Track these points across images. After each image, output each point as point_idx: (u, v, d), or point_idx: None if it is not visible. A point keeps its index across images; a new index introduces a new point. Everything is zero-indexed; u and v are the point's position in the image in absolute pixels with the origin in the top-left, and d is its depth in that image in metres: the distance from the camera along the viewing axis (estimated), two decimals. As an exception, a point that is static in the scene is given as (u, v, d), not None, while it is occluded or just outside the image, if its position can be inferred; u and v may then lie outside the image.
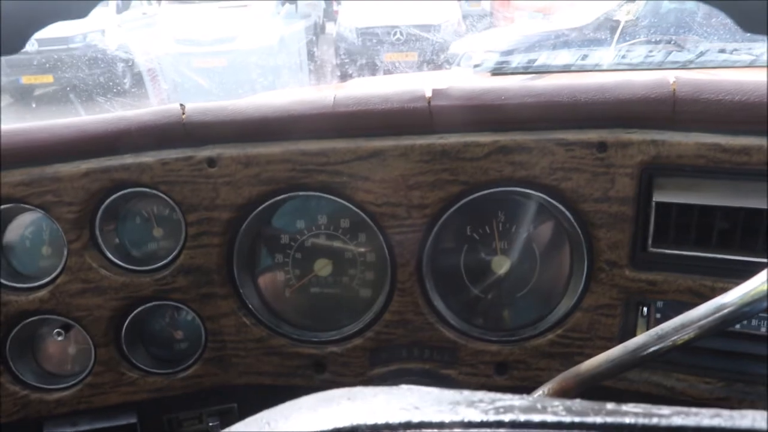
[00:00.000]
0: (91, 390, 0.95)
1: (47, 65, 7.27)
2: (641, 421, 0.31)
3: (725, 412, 0.30)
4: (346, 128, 0.83)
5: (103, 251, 0.90)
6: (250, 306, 0.93)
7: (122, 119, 0.85)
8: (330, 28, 10.01)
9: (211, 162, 0.84)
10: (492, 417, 0.31)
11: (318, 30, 9.99)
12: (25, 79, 7.41)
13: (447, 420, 0.32)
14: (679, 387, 0.86)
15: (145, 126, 0.84)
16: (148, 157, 0.85)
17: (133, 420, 0.99)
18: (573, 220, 0.84)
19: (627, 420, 0.31)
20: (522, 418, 0.31)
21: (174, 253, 0.90)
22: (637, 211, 0.82)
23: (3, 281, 0.91)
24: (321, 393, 0.42)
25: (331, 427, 0.32)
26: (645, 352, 0.57)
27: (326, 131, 0.83)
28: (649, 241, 0.83)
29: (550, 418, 0.31)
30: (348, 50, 7.87)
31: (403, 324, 0.91)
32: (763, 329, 0.84)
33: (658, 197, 0.80)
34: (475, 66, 1.24)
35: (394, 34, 7.60)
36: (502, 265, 0.92)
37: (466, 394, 0.39)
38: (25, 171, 0.85)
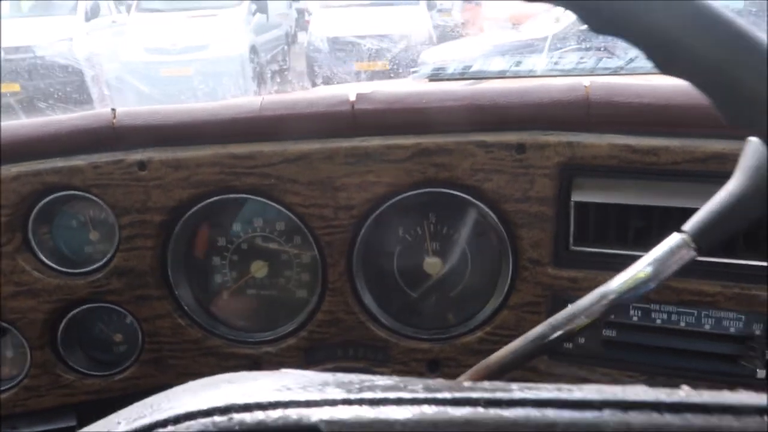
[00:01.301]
0: (27, 393, 0.95)
1: (14, 74, 7.18)
2: (486, 395, 0.33)
3: (565, 387, 0.32)
4: (272, 132, 0.85)
5: (36, 254, 0.91)
6: (185, 307, 0.94)
7: (52, 123, 0.87)
8: (302, 37, 10.03)
9: (141, 165, 0.86)
10: (354, 395, 0.33)
11: (290, 39, 10.00)
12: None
13: (312, 398, 0.34)
14: (604, 380, 0.89)
15: (76, 129, 0.85)
16: (79, 161, 0.86)
17: (73, 423, 0.99)
18: (497, 220, 0.86)
19: (474, 395, 0.33)
20: (380, 395, 0.33)
21: (108, 256, 0.91)
22: (557, 210, 0.84)
23: None
24: (207, 378, 0.43)
25: (207, 407, 0.33)
26: (543, 341, 0.59)
27: (253, 135, 0.85)
28: (570, 240, 0.86)
29: (405, 394, 0.33)
30: (318, 59, 7.89)
31: (335, 323, 0.92)
32: (682, 324, 0.88)
33: (576, 197, 0.83)
34: (413, 71, 1.27)
35: (365, 44, 7.64)
36: (434, 266, 0.95)
37: (339, 376, 0.41)
38: None
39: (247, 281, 0.98)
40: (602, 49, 1.42)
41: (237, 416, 0.32)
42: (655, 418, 0.30)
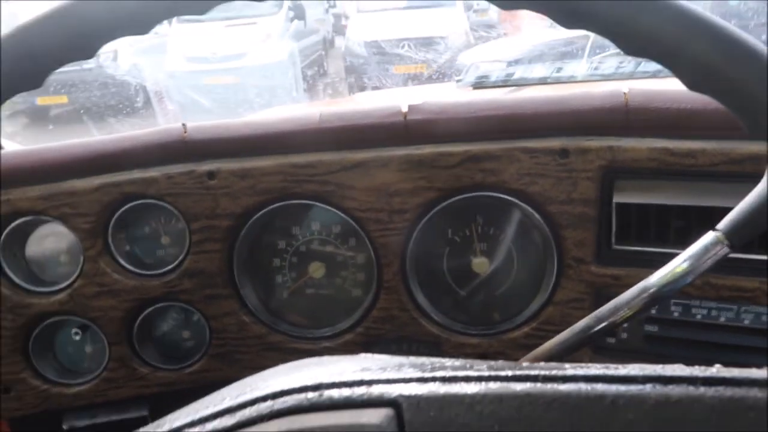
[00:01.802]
0: (106, 384, 1.04)
1: (61, 87, 7.42)
2: (543, 372, 0.38)
3: (612, 366, 0.38)
4: (331, 142, 0.92)
5: (116, 257, 0.99)
6: (249, 306, 1.02)
7: (129, 138, 0.95)
8: (339, 42, 10.13)
9: (210, 175, 0.93)
10: (427, 374, 0.39)
11: (327, 45, 10.11)
12: (40, 101, 7.57)
13: (391, 377, 0.40)
14: None
15: (151, 144, 0.93)
16: (154, 172, 0.94)
17: (145, 413, 1.07)
18: (542, 221, 0.92)
19: (532, 372, 0.39)
20: (450, 374, 0.39)
21: (180, 258, 0.99)
22: (599, 211, 0.89)
23: (26, 286, 1.00)
24: (296, 361, 0.50)
25: (300, 385, 0.40)
26: (588, 333, 0.64)
27: (313, 145, 0.92)
28: (613, 239, 0.90)
29: (472, 373, 0.39)
30: (356, 64, 7.97)
31: (389, 320, 0.99)
32: (722, 319, 0.91)
33: (618, 198, 0.88)
34: (458, 81, 1.33)
35: (402, 46, 7.70)
36: (482, 266, 1.00)
37: (412, 358, 0.47)
38: (43, 187, 0.95)
39: (306, 281, 1.05)
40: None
41: (326, 392, 0.38)
42: (691, 390, 0.35)
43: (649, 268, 0.89)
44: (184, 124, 0.94)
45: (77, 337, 1.04)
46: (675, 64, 0.43)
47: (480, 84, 1.28)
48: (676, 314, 0.92)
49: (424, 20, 7.99)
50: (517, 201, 0.92)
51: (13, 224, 0.97)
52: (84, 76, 7.49)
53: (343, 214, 0.95)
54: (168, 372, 1.04)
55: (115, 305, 1.00)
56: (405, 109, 0.90)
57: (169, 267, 0.99)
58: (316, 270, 1.04)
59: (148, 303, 1.01)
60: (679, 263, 0.58)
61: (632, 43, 0.43)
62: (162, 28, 8.94)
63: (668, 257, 0.89)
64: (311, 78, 8.72)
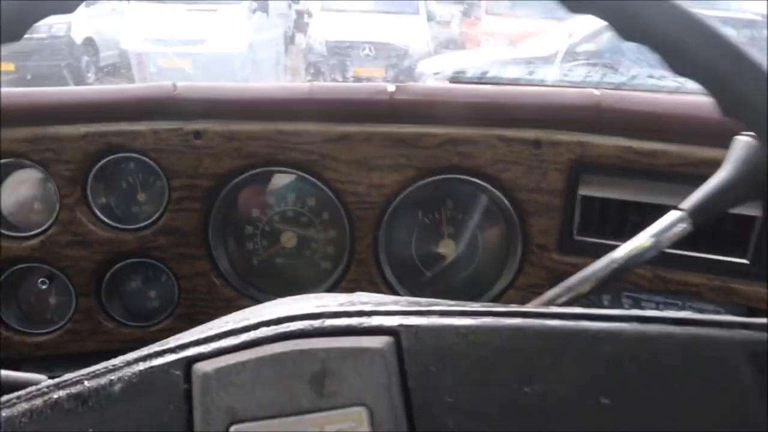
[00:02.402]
0: (69, 336, 1.04)
1: (10, 54, 7.17)
2: (532, 309, 0.43)
3: (595, 308, 0.43)
4: (318, 113, 0.95)
5: (92, 208, 1.00)
6: (220, 268, 1.04)
7: (120, 90, 0.96)
8: (299, 39, 10.10)
9: (197, 134, 0.96)
10: (424, 308, 0.43)
11: (287, 41, 10.06)
12: (-14, 67, 7.31)
13: (390, 309, 0.43)
14: None
15: (141, 98, 0.95)
16: (141, 126, 0.96)
17: (104, 370, 1.08)
18: (510, 207, 0.97)
19: (523, 309, 0.43)
20: (446, 308, 0.43)
21: (156, 215, 1.00)
22: (565, 202, 0.95)
23: None
24: (296, 296, 0.53)
25: (302, 313, 0.43)
26: (555, 302, 0.70)
27: (301, 114, 0.95)
28: (575, 230, 0.97)
29: (468, 308, 0.43)
30: (316, 62, 7.97)
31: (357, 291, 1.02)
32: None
33: (583, 191, 0.94)
34: (435, 73, 1.38)
35: (363, 49, 7.75)
36: (448, 248, 1.05)
37: (407, 297, 0.51)
38: (29, 129, 0.95)
39: (277, 250, 1.07)
40: (608, 65, 1.54)
41: (329, 321, 0.42)
42: (664, 328, 0.41)
43: (606, 259, 0.97)
44: (174, 83, 0.96)
45: (44, 286, 1.04)
46: (663, 50, 0.48)
47: (456, 78, 1.34)
48: (626, 306, 0.99)
49: (387, 26, 8.05)
50: (488, 186, 0.97)
51: None
52: (34, 45, 7.26)
53: (322, 185, 0.98)
54: (133, 329, 1.05)
55: (87, 256, 1.00)
56: (392, 89, 0.94)
57: (145, 222, 1.01)
58: (288, 240, 1.07)
59: (121, 257, 1.02)
60: (644, 238, 0.64)
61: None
62: (120, 5, 8.75)
63: (623, 250, 0.96)
64: (269, 72, 8.66)
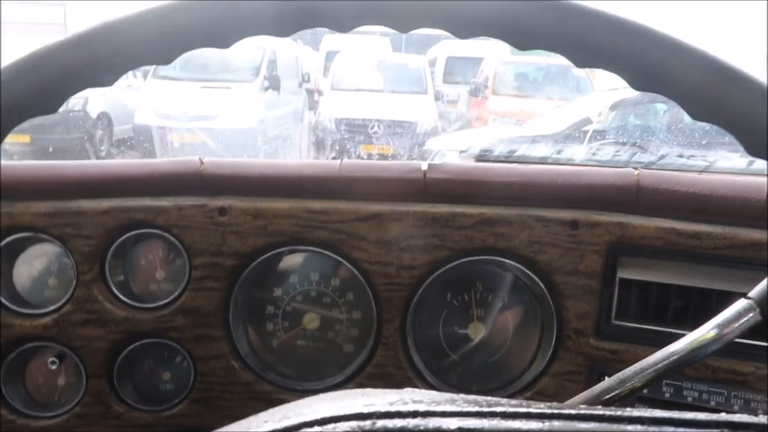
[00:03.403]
0: (77, 421, 0.98)
1: (26, 127, 7.29)
2: (611, 413, 0.39)
3: (677, 412, 0.38)
4: (348, 191, 0.92)
5: (109, 286, 0.96)
6: (240, 351, 0.99)
7: (144, 165, 0.94)
8: (309, 116, 10.29)
9: (222, 211, 0.93)
10: (485, 409, 0.39)
11: (297, 118, 10.25)
12: (1, 138, 7.40)
13: (447, 410, 0.39)
14: None
15: (166, 173, 0.93)
16: (165, 202, 0.93)
17: (113, 456, 1.01)
18: (545, 290, 0.93)
19: (599, 412, 0.39)
20: (510, 410, 0.39)
21: (176, 294, 0.96)
22: (602, 285, 0.91)
23: (9, 305, 0.96)
24: (340, 391, 0.48)
25: (350, 412, 0.39)
26: (608, 396, 0.65)
27: (330, 193, 0.93)
28: (613, 314, 0.92)
29: (533, 410, 0.38)
30: (325, 138, 8.08)
31: (384, 377, 0.97)
32: (712, 403, 0.93)
33: (622, 274, 0.90)
34: (461, 152, 1.37)
35: (372, 127, 7.86)
36: (477, 331, 1.00)
37: (462, 395, 0.46)
38: (50, 204, 0.92)
39: (298, 332, 1.03)
40: (636, 144, 1.53)
41: (380, 422, 0.37)
42: None
43: (647, 345, 0.92)
44: (200, 158, 0.94)
45: (53, 367, 0.99)
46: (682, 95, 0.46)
47: (483, 157, 1.33)
48: (667, 395, 0.94)
49: (395, 104, 8.20)
50: (523, 268, 0.93)
51: (8, 239, 0.94)
52: (50, 118, 7.40)
53: (350, 265, 0.95)
54: (145, 413, 0.99)
55: (102, 335, 0.96)
56: (425, 167, 0.92)
57: (164, 302, 0.97)
58: (311, 321, 1.02)
59: (136, 337, 0.97)
60: (708, 329, 0.60)
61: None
62: (136, 82, 8.98)
63: (666, 336, 0.91)
64: (279, 148, 8.78)
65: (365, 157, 7.48)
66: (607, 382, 0.66)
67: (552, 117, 5.35)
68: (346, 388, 0.98)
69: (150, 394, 1.04)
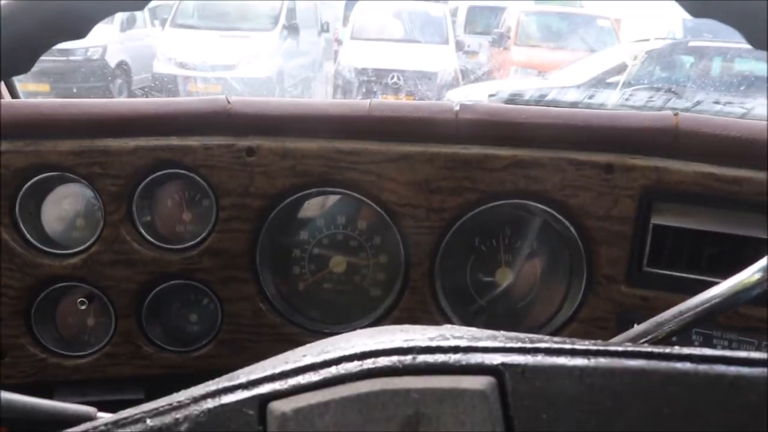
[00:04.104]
0: (107, 360, 0.99)
1: (45, 75, 7.31)
2: (658, 350, 0.37)
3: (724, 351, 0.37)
4: (378, 132, 0.90)
5: (137, 226, 0.96)
6: (267, 293, 0.99)
7: (171, 103, 0.92)
8: (328, 67, 10.18)
9: (250, 151, 0.91)
10: (528, 345, 0.38)
11: (316, 67, 10.16)
12: (21, 86, 7.41)
13: (488, 345, 0.38)
14: None
15: (193, 112, 0.91)
16: (192, 141, 0.91)
17: (141, 396, 1.03)
18: (576, 235, 0.91)
19: (645, 350, 0.37)
20: (555, 346, 0.37)
21: (203, 235, 0.96)
22: (635, 231, 0.89)
23: (38, 245, 0.96)
24: (377, 327, 0.48)
25: (389, 347, 0.38)
26: (643, 340, 0.64)
27: (360, 133, 0.91)
28: (645, 261, 0.91)
29: (578, 347, 0.37)
30: (344, 88, 8.00)
31: (411, 321, 0.97)
32: (719, 348, 0.92)
33: (656, 220, 0.88)
34: (490, 96, 1.33)
35: (392, 77, 7.76)
36: (504, 277, 0.99)
37: (503, 332, 0.45)
38: (75, 142, 0.91)
39: (325, 275, 1.02)
40: (671, 90, 1.49)
41: (420, 357, 0.36)
42: None
43: (679, 293, 0.90)
44: (227, 97, 0.93)
45: (83, 307, 1.00)
46: None
47: (512, 101, 1.29)
48: (696, 344, 0.93)
49: (416, 55, 8.08)
50: (555, 213, 0.91)
51: (36, 178, 0.94)
52: (69, 66, 7.40)
53: (378, 207, 0.93)
54: (173, 354, 1.00)
55: (130, 276, 0.96)
56: (457, 108, 0.89)
57: (191, 243, 0.96)
58: (337, 265, 1.02)
59: (164, 278, 0.97)
60: (748, 275, 0.58)
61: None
62: (154, 31, 8.91)
63: (699, 284, 0.89)
64: (297, 97, 8.72)
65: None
66: (644, 325, 0.65)
67: (576, 68, 5.24)
68: None
69: (177, 335, 1.04)
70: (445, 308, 0.97)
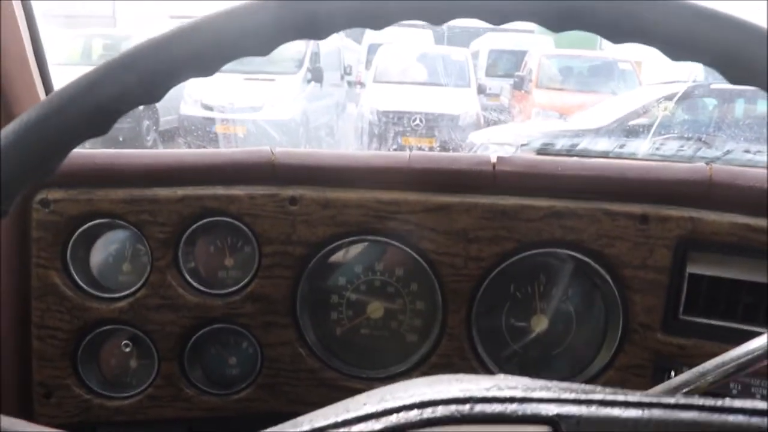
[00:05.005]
0: (150, 402, 1.01)
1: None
2: (710, 403, 0.39)
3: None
4: (417, 183, 0.93)
5: (182, 272, 0.99)
6: (306, 338, 1.01)
7: (217, 154, 0.97)
8: (350, 108, 10.31)
9: (293, 201, 0.94)
10: (582, 396, 0.39)
11: (339, 110, 10.30)
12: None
13: (543, 396, 0.39)
14: None
15: (239, 162, 0.95)
16: (237, 191, 0.95)
17: (182, 437, 1.05)
18: (612, 284, 0.93)
19: (698, 402, 0.39)
20: (609, 398, 0.39)
21: (245, 281, 0.99)
22: (671, 280, 0.91)
23: (89, 289, 0.99)
24: (432, 376, 0.49)
25: (447, 397, 0.39)
26: (686, 390, 0.65)
27: (400, 184, 0.94)
28: (681, 309, 0.92)
29: (631, 398, 0.39)
30: (367, 130, 8.08)
31: (448, 367, 0.98)
32: (758, 396, 0.92)
33: (692, 269, 0.90)
34: (522, 145, 1.37)
35: (414, 119, 7.84)
36: (540, 324, 1.01)
37: (556, 383, 0.47)
38: (126, 191, 0.95)
39: (362, 321, 1.04)
40: (701, 139, 1.51)
41: (478, 407, 0.38)
42: None
43: (715, 341, 0.91)
44: (271, 148, 0.96)
45: (127, 349, 1.02)
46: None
47: (544, 150, 1.32)
48: (734, 392, 0.93)
49: (437, 98, 8.16)
50: (591, 262, 0.93)
51: (88, 224, 0.97)
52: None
53: (417, 256, 0.96)
54: (213, 396, 1.02)
55: (174, 320, 0.99)
56: (494, 160, 0.92)
57: (234, 288, 0.99)
58: (375, 311, 1.03)
59: (207, 322, 1.00)
60: None
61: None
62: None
63: (736, 332, 0.90)
64: (322, 139, 8.83)
65: (407, 149, 7.46)
66: (685, 375, 0.66)
67: (598, 110, 5.27)
68: (410, 377, 0.99)
69: (217, 378, 1.06)
70: (482, 354, 0.99)
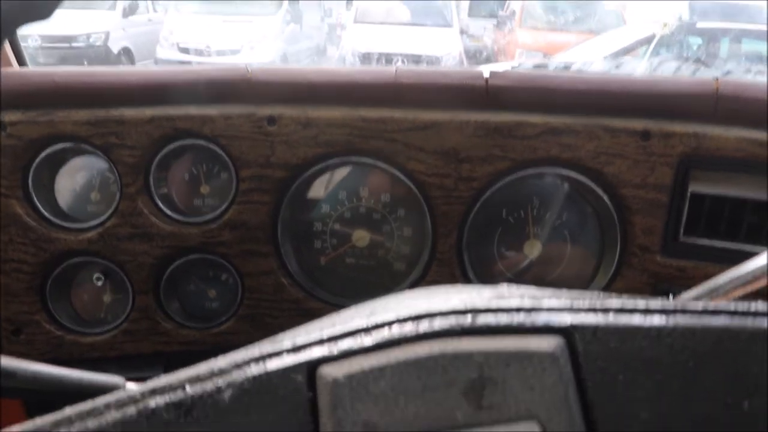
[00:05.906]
0: (125, 336, 0.96)
1: (48, 61, 7.29)
2: (740, 308, 0.34)
3: None
4: (405, 99, 0.87)
5: (154, 199, 0.93)
6: (289, 267, 0.96)
7: (189, 72, 0.89)
8: (331, 51, 10.12)
9: (271, 120, 0.88)
10: (597, 304, 0.34)
11: (319, 52, 10.11)
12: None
13: (554, 305, 0.35)
14: None
15: (212, 79, 0.88)
16: (211, 110, 0.88)
17: (160, 373, 1.00)
18: (610, 205, 0.88)
19: (728, 307, 0.34)
20: (627, 305, 0.34)
21: (222, 208, 0.93)
22: (672, 199, 0.86)
23: (54, 219, 0.93)
24: (429, 287, 0.44)
25: (446, 308, 0.34)
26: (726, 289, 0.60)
27: (386, 101, 0.87)
28: (681, 230, 0.87)
29: (652, 305, 0.34)
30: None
31: None
32: None
33: (694, 188, 0.85)
34: (513, 67, 1.30)
35: (395, 61, 7.71)
36: (533, 249, 0.96)
37: (567, 291, 0.42)
38: (91, 112, 0.88)
39: (347, 249, 0.99)
40: (699, 60, 1.45)
41: (480, 317, 0.33)
42: None
43: (717, 263, 0.87)
44: (246, 65, 0.89)
45: (99, 283, 0.97)
46: None
47: (539, 69, 1.26)
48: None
49: (419, 38, 8.03)
50: (588, 181, 0.88)
51: (49, 149, 0.90)
52: (72, 53, 7.38)
53: (405, 177, 0.90)
54: (192, 330, 0.97)
55: (147, 250, 0.93)
56: (487, 74, 0.86)
57: (211, 216, 0.93)
58: (360, 239, 0.99)
59: (182, 252, 0.95)
60: None
61: None
62: (156, 16, 8.85)
63: (738, 253, 0.86)
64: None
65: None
66: (693, 290, 0.62)
67: (582, 49, 5.18)
68: None
69: (196, 311, 1.02)
70: (474, 281, 0.94)
